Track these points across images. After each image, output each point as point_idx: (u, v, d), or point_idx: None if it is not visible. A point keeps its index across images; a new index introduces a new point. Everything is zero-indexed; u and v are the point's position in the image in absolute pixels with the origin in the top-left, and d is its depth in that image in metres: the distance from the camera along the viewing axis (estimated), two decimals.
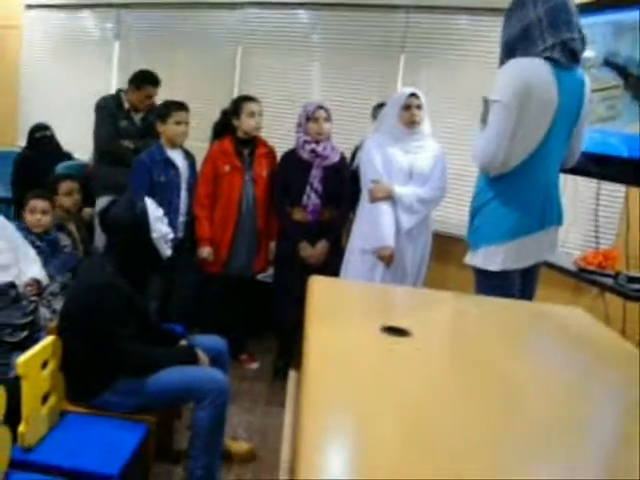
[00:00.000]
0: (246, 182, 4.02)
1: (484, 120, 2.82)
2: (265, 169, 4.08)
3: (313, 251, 3.95)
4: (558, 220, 2.81)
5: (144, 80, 4.67)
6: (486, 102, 2.84)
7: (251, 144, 4.06)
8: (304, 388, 1.36)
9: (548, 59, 2.55)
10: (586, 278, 3.38)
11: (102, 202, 4.23)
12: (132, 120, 4.73)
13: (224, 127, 4.22)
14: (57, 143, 5.51)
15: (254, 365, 4.32)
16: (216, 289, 4.20)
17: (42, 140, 5.38)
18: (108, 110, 4.72)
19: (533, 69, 2.55)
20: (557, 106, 2.58)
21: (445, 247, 4.24)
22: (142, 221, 2.74)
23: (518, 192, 2.68)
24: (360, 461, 1.16)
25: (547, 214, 2.75)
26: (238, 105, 4.03)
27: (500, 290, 2.63)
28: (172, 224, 3.40)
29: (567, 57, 2.58)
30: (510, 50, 2.63)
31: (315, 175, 3.92)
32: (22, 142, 5.78)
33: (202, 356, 2.80)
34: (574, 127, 2.75)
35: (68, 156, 5.52)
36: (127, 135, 4.66)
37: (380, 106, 4.24)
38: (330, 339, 1.67)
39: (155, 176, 3.92)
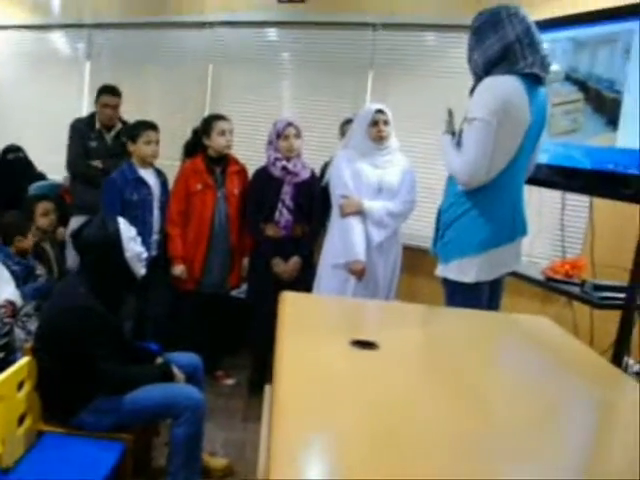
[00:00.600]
0: (218, 199, 4.06)
1: (449, 131, 2.89)
2: (237, 187, 4.13)
3: (286, 266, 3.99)
4: (523, 231, 2.87)
5: (101, 91, 4.77)
6: (450, 113, 2.91)
7: (222, 162, 4.10)
8: (276, 400, 1.40)
9: (527, 75, 2.59)
10: (554, 287, 3.42)
11: (75, 222, 4.24)
12: (104, 140, 4.77)
13: (195, 146, 4.25)
14: (30, 163, 5.50)
15: (230, 381, 4.34)
16: (190, 306, 4.21)
17: (15, 162, 5.37)
18: (78, 131, 4.78)
19: (509, 87, 2.58)
20: (529, 123, 2.63)
21: (414, 260, 4.28)
22: (115, 241, 2.75)
23: (491, 205, 2.72)
24: (332, 469, 1.19)
25: (516, 226, 2.81)
26: (209, 124, 4.08)
27: (471, 301, 2.68)
28: (145, 242, 3.41)
29: (545, 72, 2.66)
30: (489, 68, 2.66)
31: (286, 192, 3.97)
32: None
33: (178, 373, 2.82)
34: (537, 141, 2.82)
35: (41, 176, 5.51)
36: (97, 155, 4.69)
37: (347, 122, 4.29)
38: (300, 353, 1.71)
39: (127, 195, 3.94)
